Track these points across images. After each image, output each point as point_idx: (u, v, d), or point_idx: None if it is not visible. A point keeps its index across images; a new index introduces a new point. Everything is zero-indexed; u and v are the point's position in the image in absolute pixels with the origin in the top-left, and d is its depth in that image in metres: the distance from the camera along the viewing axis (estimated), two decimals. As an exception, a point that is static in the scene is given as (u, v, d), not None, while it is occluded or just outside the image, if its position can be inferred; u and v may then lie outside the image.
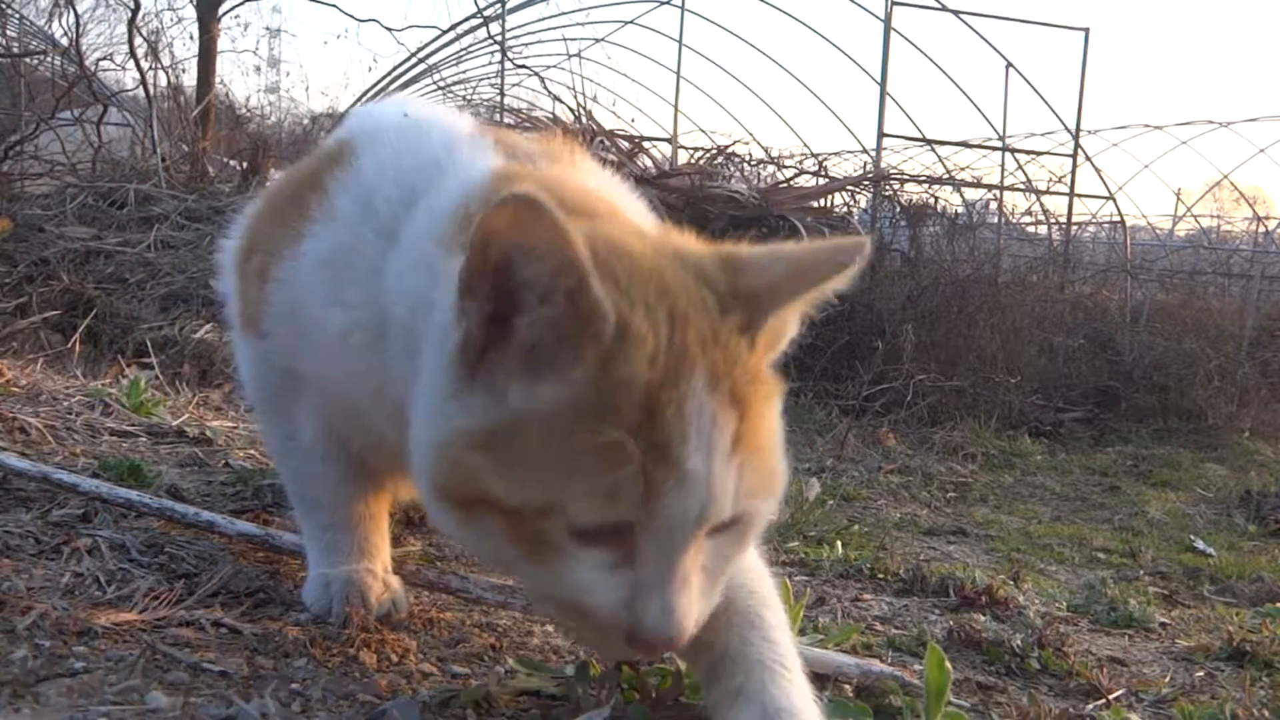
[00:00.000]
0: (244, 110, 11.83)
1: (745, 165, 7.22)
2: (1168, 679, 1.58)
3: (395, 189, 1.11)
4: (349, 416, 1.24)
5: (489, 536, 0.90)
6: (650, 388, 0.84)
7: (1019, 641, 1.55)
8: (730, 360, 0.88)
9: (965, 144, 9.19)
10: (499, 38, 10.51)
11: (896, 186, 7.25)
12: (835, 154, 10.39)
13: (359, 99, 12.99)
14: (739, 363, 0.89)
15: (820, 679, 1.25)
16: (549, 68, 10.31)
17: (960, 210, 7.65)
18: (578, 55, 10.81)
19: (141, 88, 7.13)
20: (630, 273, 0.88)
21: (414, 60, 11.67)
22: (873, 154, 8.21)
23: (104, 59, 8.59)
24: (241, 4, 10.34)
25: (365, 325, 1.10)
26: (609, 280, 0.85)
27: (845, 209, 7.09)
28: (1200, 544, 3.51)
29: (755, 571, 1.11)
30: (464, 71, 12.69)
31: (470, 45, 11.62)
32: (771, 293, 0.92)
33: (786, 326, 0.97)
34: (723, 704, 1.01)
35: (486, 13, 10.28)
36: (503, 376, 0.88)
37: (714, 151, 7.22)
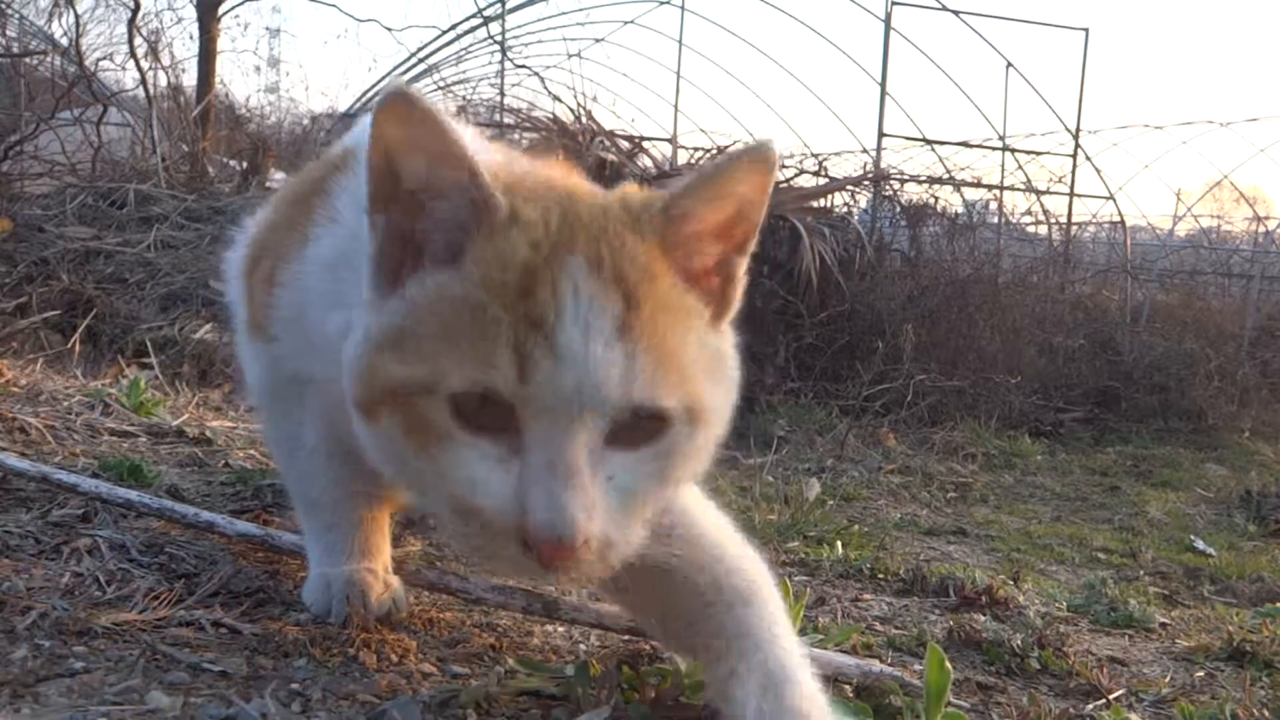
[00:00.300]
0: (244, 110, 11.83)
1: (745, 165, 7.20)
2: (1168, 679, 1.58)
3: None
4: (351, 418, 1.24)
5: (389, 437, 0.92)
6: (529, 267, 0.87)
7: (1019, 641, 1.55)
8: (623, 256, 0.90)
9: (965, 144, 9.18)
10: (499, 38, 10.51)
11: (896, 186, 7.26)
12: (835, 154, 10.38)
13: (359, 99, 13.00)
14: (634, 261, 0.90)
15: (820, 679, 1.25)
16: (549, 68, 10.31)
17: (960, 210, 7.65)
18: (578, 55, 10.81)
19: (141, 88, 7.13)
20: (534, 187, 0.95)
21: (414, 60, 11.67)
22: (873, 154, 8.21)
23: (104, 59, 8.60)
24: (241, 4, 10.35)
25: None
26: (503, 187, 0.91)
27: (845, 209, 7.10)
28: (1200, 544, 3.51)
29: (746, 557, 1.12)
30: (464, 71, 12.70)
31: (470, 45, 11.63)
32: (676, 198, 0.94)
33: (713, 242, 0.97)
34: (726, 682, 1.02)
35: (486, 13, 10.29)
36: (410, 276, 0.92)
37: (714, 151, 7.22)
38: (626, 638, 1.41)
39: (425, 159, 0.90)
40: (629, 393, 0.86)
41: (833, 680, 1.25)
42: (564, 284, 0.87)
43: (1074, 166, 8.18)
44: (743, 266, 1.00)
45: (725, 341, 1.00)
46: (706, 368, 0.94)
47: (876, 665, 1.27)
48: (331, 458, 1.33)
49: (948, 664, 1.13)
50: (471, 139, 1.10)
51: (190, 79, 9.32)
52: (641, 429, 0.89)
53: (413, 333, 0.90)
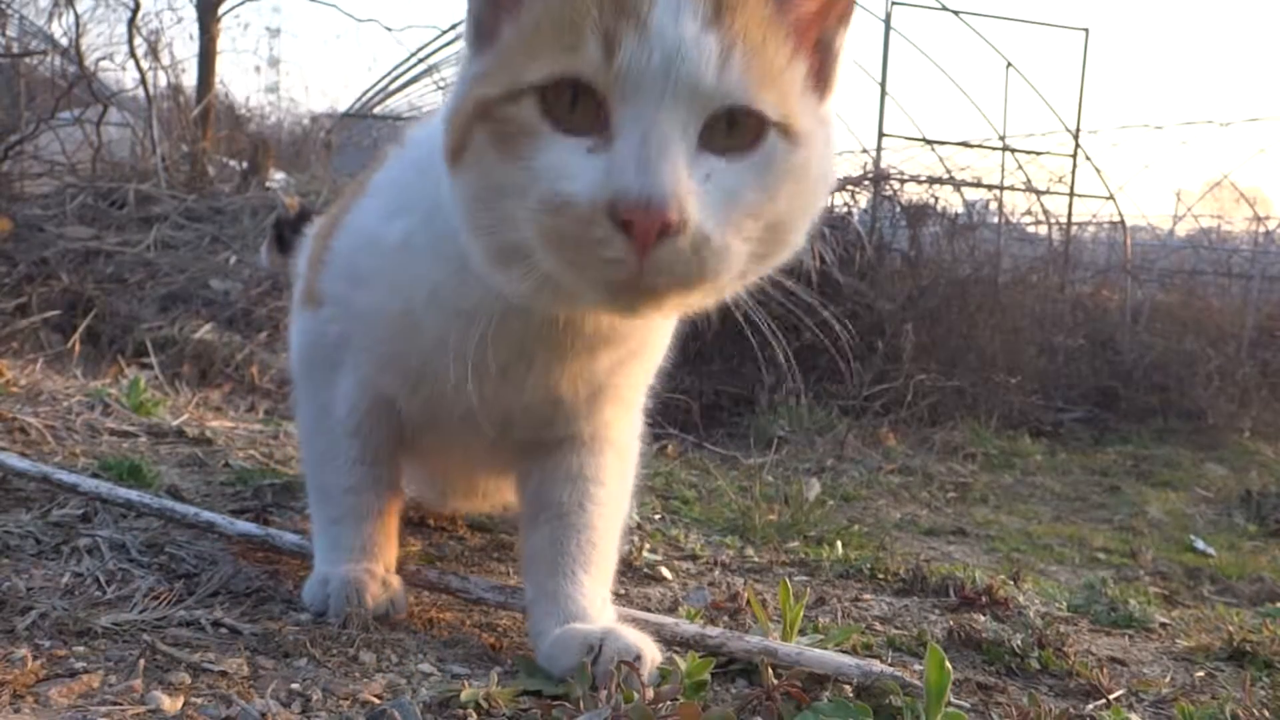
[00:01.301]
0: (244, 110, 11.83)
1: (745, 165, 7.20)
2: (1168, 679, 1.58)
3: None
4: (402, 354, 1.24)
5: (480, 161, 0.91)
6: None
7: (1019, 641, 1.55)
8: None
9: (965, 144, 9.18)
10: (499, 38, 10.50)
11: (896, 186, 7.25)
12: (835, 153, 10.37)
13: (359, 99, 13.00)
14: None
15: (820, 679, 1.25)
16: (549, 67, 10.29)
17: (960, 210, 7.65)
18: (578, 55, 10.79)
19: (141, 88, 7.13)
20: None
21: (414, 60, 11.67)
22: (873, 154, 8.21)
23: (104, 59, 8.60)
24: (241, 4, 10.35)
25: (426, 226, 1.11)
26: None
27: (845, 209, 7.09)
28: (1200, 544, 3.51)
29: (617, 470, 1.27)
30: (464, 71, 12.69)
31: (470, 45, 11.61)
32: None
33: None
34: (537, 602, 1.24)
35: (486, 13, 10.28)
36: (501, 31, 0.93)
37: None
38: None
39: None
40: (723, 81, 0.84)
41: (833, 680, 1.25)
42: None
43: (1074, 166, 8.17)
44: (843, 39, 0.97)
45: (825, 117, 0.97)
46: (804, 102, 0.92)
47: (876, 665, 1.27)
48: (357, 431, 1.34)
49: (948, 664, 1.13)
50: None
51: (190, 79, 9.32)
52: (736, 136, 0.87)
53: (503, 56, 0.91)
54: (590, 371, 1.19)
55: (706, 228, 0.85)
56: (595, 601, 1.25)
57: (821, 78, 0.97)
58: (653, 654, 1.15)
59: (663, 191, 0.81)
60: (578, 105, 0.85)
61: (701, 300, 0.96)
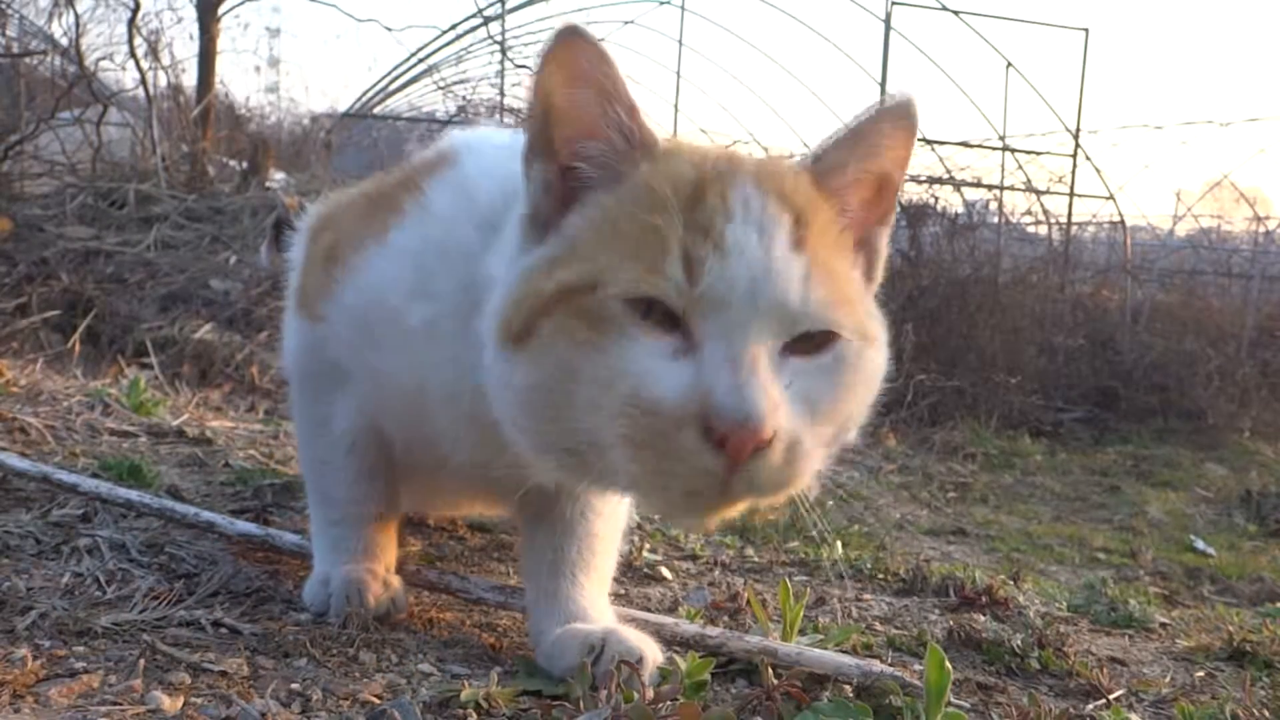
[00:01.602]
0: (244, 110, 11.82)
1: (745, 165, 7.20)
2: (1168, 679, 1.58)
3: (498, 185, 1.10)
4: (408, 412, 1.23)
5: (553, 348, 0.88)
6: (697, 182, 0.89)
7: (1019, 641, 1.55)
8: (788, 184, 0.92)
9: (965, 144, 9.18)
10: (499, 38, 10.51)
11: (896, 186, 7.24)
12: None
13: (359, 99, 13.01)
14: (798, 189, 0.92)
15: (820, 679, 1.25)
16: (549, 67, 10.28)
17: (960, 210, 7.65)
18: (578, 55, 10.78)
19: (141, 88, 7.13)
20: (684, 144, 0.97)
21: (414, 60, 11.67)
22: (873, 154, 8.20)
23: (104, 59, 8.59)
24: (241, 4, 10.34)
25: (454, 313, 1.09)
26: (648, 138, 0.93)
27: (845, 209, 7.09)
28: (1200, 544, 3.51)
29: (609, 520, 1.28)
30: (464, 71, 12.70)
31: (470, 45, 11.63)
32: (824, 148, 0.97)
33: (857, 196, 0.98)
34: (538, 603, 1.25)
35: (486, 13, 10.29)
36: (566, 222, 0.93)
37: (714, 151, 7.20)
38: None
39: (594, 93, 0.90)
40: (807, 299, 0.86)
41: (833, 680, 1.25)
42: (734, 194, 0.88)
43: (1074, 166, 8.17)
44: (885, 239, 1.01)
45: (876, 311, 1.00)
46: (867, 305, 0.96)
47: (876, 665, 1.27)
48: (354, 450, 1.33)
49: (948, 664, 1.13)
50: None
51: (190, 79, 9.31)
52: (815, 341, 0.89)
53: (577, 247, 0.90)
54: None
55: (798, 434, 0.86)
56: (596, 603, 1.26)
57: (869, 275, 1.01)
58: (654, 654, 1.15)
59: (760, 410, 0.81)
60: (654, 309, 0.86)
61: (772, 503, 0.94)
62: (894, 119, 0.94)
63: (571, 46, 0.87)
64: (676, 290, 0.84)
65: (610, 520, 1.31)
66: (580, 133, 0.92)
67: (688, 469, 0.83)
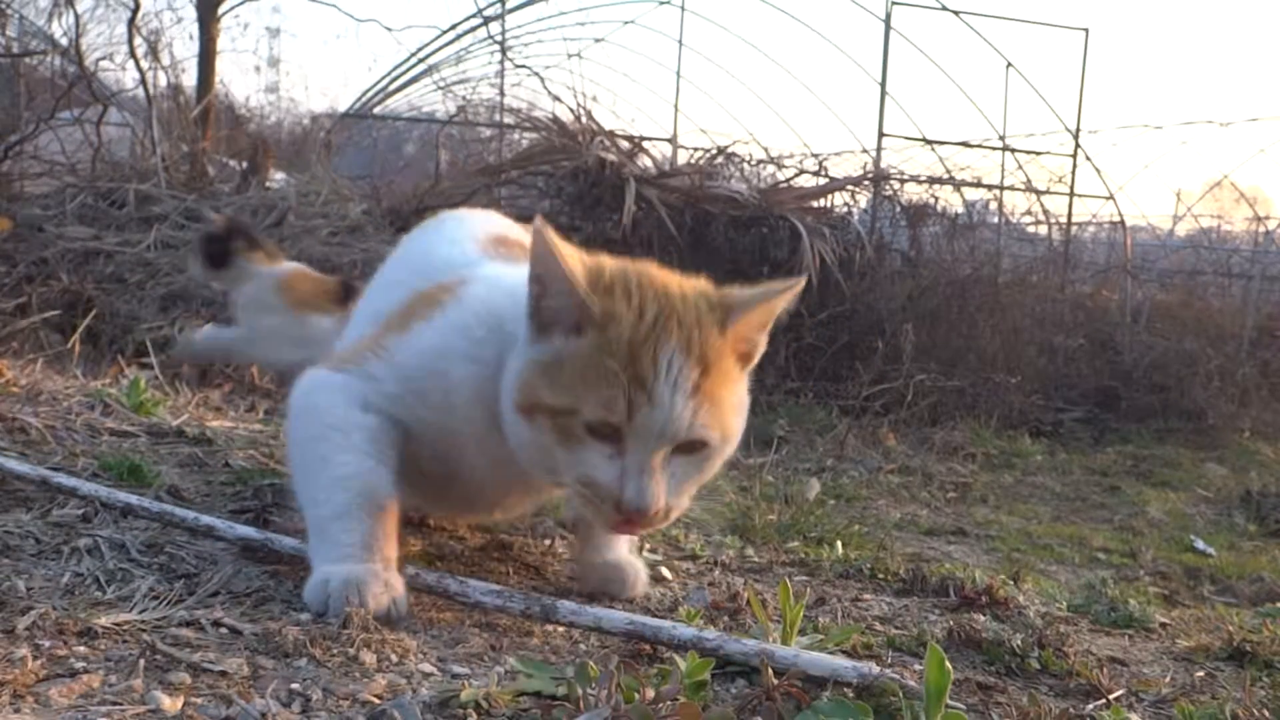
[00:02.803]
0: (244, 110, 11.84)
1: (745, 165, 7.21)
2: (1168, 679, 1.58)
3: (514, 287, 1.45)
4: (433, 441, 1.52)
5: (540, 433, 1.34)
6: (633, 344, 1.30)
7: (1019, 641, 1.55)
8: (702, 339, 1.33)
9: (965, 144, 9.18)
10: (499, 38, 10.52)
11: (896, 186, 7.25)
12: (835, 154, 10.38)
13: (359, 99, 13.00)
14: (709, 343, 1.34)
15: (819, 681, 1.25)
16: (549, 68, 10.31)
17: (960, 210, 7.65)
18: (578, 55, 10.81)
19: (141, 88, 7.13)
20: (635, 286, 1.36)
21: (414, 60, 11.67)
22: (873, 154, 8.21)
23: (104, 59, 8.61)
24: (241, 4, 10.36)
25: (494, 376, 1.43)
26: (601, 288, 1.33)
27: (845, 209, 7.09)
28: (1200, 544, 3.51)
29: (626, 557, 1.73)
30: (464, 71, 12.70)
31: (470, 45, 11.63)
32: (739, 302, 1.40)
33: (754, 332, 1.41)
34: (582, 552, 1.73)
35: (486, 13, 10.29)
36: (555, 333, 1.35)
37: (714, 151, 7.21)
38: (625, 638, 1.41)
39: (548, 276, 1.33)
40: (692, 430, 1.32)
41: (831, 682, 1.25)
42: (662, 357, 1.30)
43: (1074, 166, 8.18)
44: (764, 343, 1.44)
45: (744, 384, 1.43)
46: (735, 407, 1.39)
47: (874, 668, 1.26)
48: (365, 428, 1.45)
49: (948, 664, 1.13)
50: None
51: (190, 79, 9.32)
52: (694, 446, 1.35)
53: (559, 373, 1.33)
54: None
55: (670, 506, 1.36)
56: (614, 544, 1.72)
57: (748, 359, 1.42)
58: (644, 574, 1.72)
59: (651, 504, 1.31)
60: (604, 428, 1.31)
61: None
62: (787, 290, 1.40)
63: (538, 241, 1.31)
64: (620, 421, 1.29)
65: None
66: (546, 291, 1.35)
67: (607, 519, 1.36)
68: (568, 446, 1.33)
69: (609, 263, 1.40)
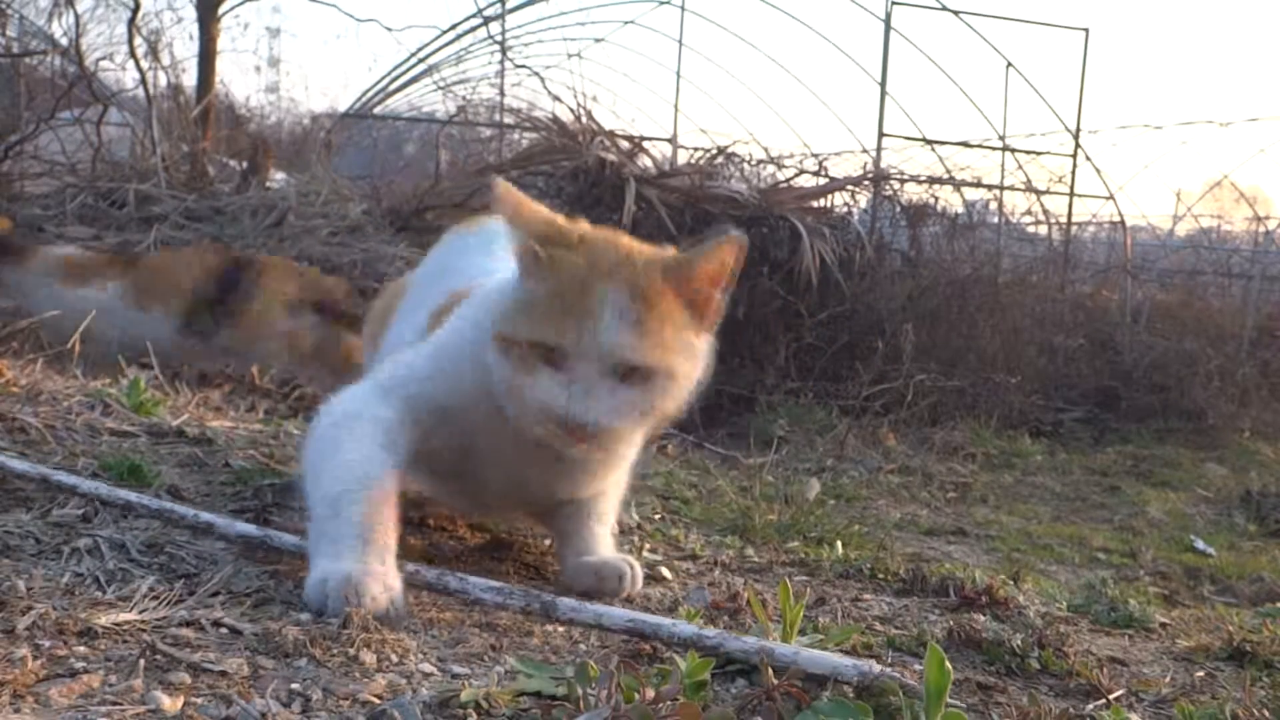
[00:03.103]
0: (244, 110, 11.84)
1: (745, 165, 7.21)
2: (1168, 679, 1.58)
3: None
4: (456, 433, 1.62)
5: (508, 365, 1.47)
6: (583, 283, 1.44)
7: (1019, 641, 1.55)
8: (646, 282, 1.46)
9: (965, 144, 9.18)
10: (499, 38, 10.52)
11: (896, 186, 7.25)
12: (835, 154, 10.39)
13: (359, 99, 13.00)
14: (652, 285, 1.46)
15: (820, 679, 1.25)
16: (549, 68, 10.33)
17: (960, 210, 7.65)
18: (578, 55, 10.82)
19: (141, 88, 7.13)
20: (589, 238, 1.53)
21: (414, 60, 11.68)
22: (873, 154, 8.21)
23: (104, 59, 8.61)
24: (241, 4, 10.35)
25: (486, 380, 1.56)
26: (554, 239, 1.50)
27: (845, 209, 7.09)
28: (1200, 544, 3.51)
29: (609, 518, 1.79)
30: (464, 71, 12.70)
31: (470, 45, 11.63)
32: (682, 253, 1.53)
33: (703, 283, 1.50)
34: (569, 558, 1.73)
35: (486, 13, 10.29)
36: (525, 278, 1.50)
37: (714, 151, 7.21)
38: (625, 637, 1.41)
39: (511, 230, 1.51)
40: (630, 353, 1.44)
41: (831, 681, 1.25)
42: (605, 292, 1.44)
43: (1074, 166, 8.18)
44: (719, 298, 1.54)
45: (701, 341, 1.54)
46: (680, 349, 1.49)
47: (874, 666, 1.26)
48: (380, 421, 1.54)
49: (948, 664, 1.13)
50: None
51: (190, 79, 9.32)
52: (639, 375, 1.45)
53: (524, 311, 1.47)
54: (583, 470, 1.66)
55: (608, 426, 1.46)
56: (603, 540, 1.76)
57: (704, 317, 1.53)
58: (638, 571, 1.71)
59: (588, 421, 1.43)
60: (555, 354, 1.44)
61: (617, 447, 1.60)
62: (732, 242, 1.49)
63: (500, 190, 1.51)
64: (570, 345, 1.43)
65: (613, 486, 1.79)
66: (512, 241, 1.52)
67: (555, 435, 1.48)
68: (530, 375, 1.45)
69: (566, 221, 1.56)
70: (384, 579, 1.34)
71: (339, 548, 1.35)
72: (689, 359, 1.51)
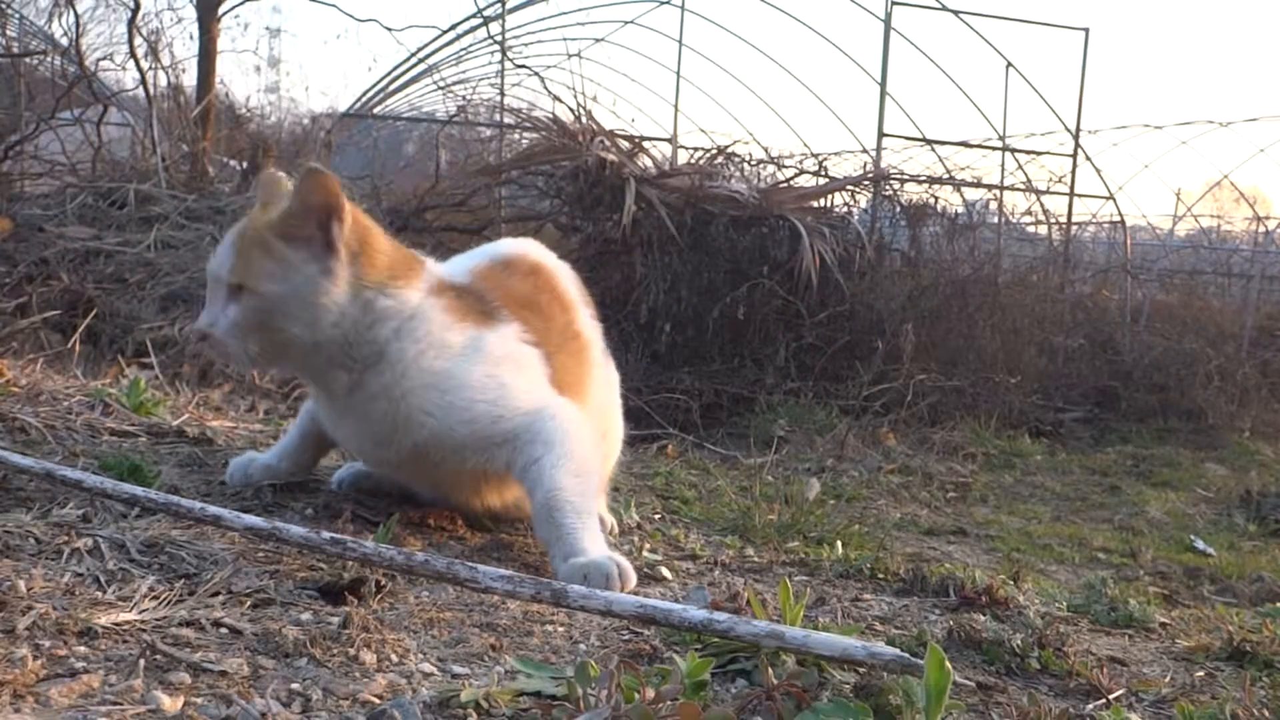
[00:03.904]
0: (244, 110, 11.83)
1: (745, 165, 7.21)
2: (1168, 679, 1.58)
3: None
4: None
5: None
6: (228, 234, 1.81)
7: (1019, 641, 1.55)
8: (251, 226, 1.78)
9: (965, 144, 9.18)
10: (499, 38, 10.50)
11: (896, 186, 7.25)
12: (835, 154, 10.39)
13: (359, 99, 12.99)
14: (256, 227, 1.77)
15: (821, 680, 1.25)
16: (549, 68, 10.31)
17: (960, 210, 7.65)
18: (578, 55, 10.81)
19: (141, 88, 7.13)
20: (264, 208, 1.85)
21: (414, 60, 11.66)
22: (873, 154, 8.21)
23: (104, 59, 8.60)
24: (241, 4, 10.35)
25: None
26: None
27: (845, 209, 7.10)
28: (1200, 544, 3.51)
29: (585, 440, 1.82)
30: (464, 71, 12.68)
31: (470, 45, 11.61)
32: (281, 208, 1.79)
33: (297, 220, 1.74)
34: (558, 562, 1.69)
35: (486, 13, 10.28)
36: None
37: (714, 151, 7.21)
38: (627, 636, 1.41)
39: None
40: (227, 273, 1.74)
41: (833, 681, 1.25)
42: (229, 236, 1.78)
43: (1074, 166, 8.17)
44: (336, 232, 1.75)
45: (301, 262, 1.74)
46: (268, 273, 1.74)
47: (883, 647, 1.25)
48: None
49: (948, 664, 1.13)
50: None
51: (190, 79, 9.32)
52: (237, 291, 1.74)
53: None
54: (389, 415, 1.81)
55: (219, 333, 1.75)
56: (593, 538, 1.71)
57: (329, 246, 1.75)
58: (630, 572, 1.67)
59: (202, 327, 1.75)
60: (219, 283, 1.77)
61: (254, 355, 1.80)
62: (313, 174, 1.74)
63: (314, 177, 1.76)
64: (209, 272, 1.79)
65: (584, 478, 1.78)
66: None
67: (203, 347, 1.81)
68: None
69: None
70: (280, 470, 2.07)
71: (272, 451, 2.13)
72: (275, 281, 1.75)
